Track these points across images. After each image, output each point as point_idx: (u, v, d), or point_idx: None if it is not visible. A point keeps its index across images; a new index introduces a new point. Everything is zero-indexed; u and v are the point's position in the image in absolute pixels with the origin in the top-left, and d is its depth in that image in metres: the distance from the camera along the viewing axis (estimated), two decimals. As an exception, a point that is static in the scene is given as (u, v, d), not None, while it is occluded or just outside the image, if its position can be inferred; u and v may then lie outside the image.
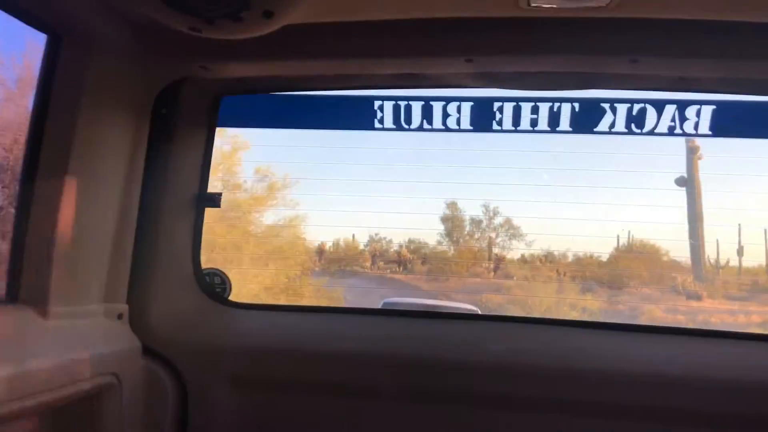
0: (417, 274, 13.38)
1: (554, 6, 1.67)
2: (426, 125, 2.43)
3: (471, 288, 11.97)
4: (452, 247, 13.53)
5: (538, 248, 12.24)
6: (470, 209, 13.44)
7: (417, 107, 2.42)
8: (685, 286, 9.79)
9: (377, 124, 2.45)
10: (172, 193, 2.54)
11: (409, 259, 13.75)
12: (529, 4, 1.68)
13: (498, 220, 13.30)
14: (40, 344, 1.88)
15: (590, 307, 9.77)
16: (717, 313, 8.60)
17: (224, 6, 1.61)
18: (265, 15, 1.67)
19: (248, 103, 2.59)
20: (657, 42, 1.92)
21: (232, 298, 2.85)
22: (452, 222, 13.57)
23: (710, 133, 2.22)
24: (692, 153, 10.37)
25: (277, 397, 2.60)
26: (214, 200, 2.65)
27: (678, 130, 2.24)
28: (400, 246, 13.77)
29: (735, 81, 2.11)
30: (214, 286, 2.81)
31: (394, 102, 2.39)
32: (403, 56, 2.14)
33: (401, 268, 13.77)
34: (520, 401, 2.48)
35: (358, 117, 2.51)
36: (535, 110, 2.32)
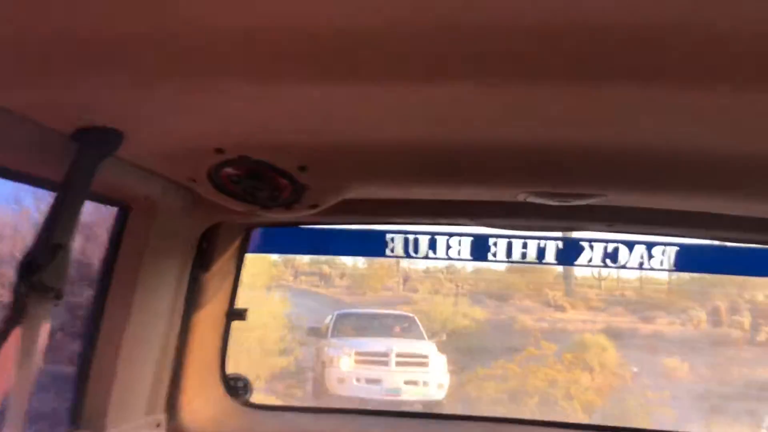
0: (338, 288, 14.75)
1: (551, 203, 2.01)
2: (431, 254, 2.79)
3: (384, 300, 13.27)
4: (367, 264, 14.63)
5: (441, 264, 13.45)
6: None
7: (424, 240, 2.78)
8: (556, 300, 11.89)
9: (389, 253, 2.79)
10: (206, 312, 2.83)
11: (330, 274, 15.02)
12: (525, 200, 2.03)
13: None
14: None
15: (477, 317, 11.91)
16: (574, 321, 10.81)
17: (281, 200, 1.95)
18: (310, 207, 2.01)
19: (274, 231, 2.92)
20: (630, 215, 2.29)
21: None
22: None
23: (674, 268, 2.61)
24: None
25: None
26: (241, 315, 2.94)
27: (646, 266, 2.63)
28: (322, 263, 14.94)
29: (694, 227, 2.47)
30: (238, 390, 3.07)
31: (403, 235, 2.75)
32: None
33: (323, 283, 15.04)
34: None
35: (373, 246, 2.86)
36: (524, 246, 2.70)
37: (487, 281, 12.61)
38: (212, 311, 2.97)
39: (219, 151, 1.75)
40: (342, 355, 11.18)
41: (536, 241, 2.71)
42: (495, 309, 11.95)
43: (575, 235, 2.64)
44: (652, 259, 2.69)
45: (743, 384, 8.17)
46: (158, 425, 2.71)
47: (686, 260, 2.66)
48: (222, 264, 2.95)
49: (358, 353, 11.19)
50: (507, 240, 2.70)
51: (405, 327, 12.42)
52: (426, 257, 2.79)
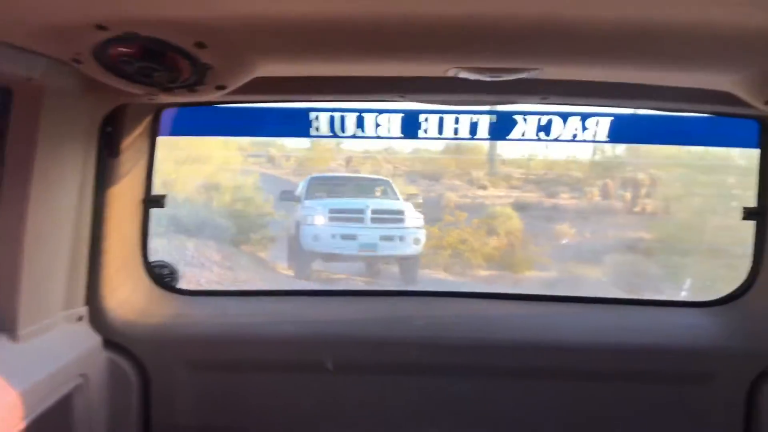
0: (285, 169, 15.25)
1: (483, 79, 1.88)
2: (360, 133, 2.64)
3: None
4: (312, 146, 14.97)
5: (381, 145, 13.95)
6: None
7: (351, 118, 2.62)
8: (479, 179, 13.13)
9: (313, 132, 2.63)
10: (120, 199, 2.66)
11: (278, 156, 15.63)
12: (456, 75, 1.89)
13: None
14: (15, 369, 2.04)
15: (412, 192, 12.88)
16: (491, 197, 12.38)
17: (182, 82, 1.75)
18: (218, 88, 1.82)
19: (188, 113, 2.69)
20: (564, 88, 2.20)
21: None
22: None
23: (607, 139, 2.57)
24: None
25: (230, 378, 2.85)
26: (159, 202, 2.79)
27: (580, 137, 2.57)
28: (268, 146, 15.27)
29: (628, 98, 2.41)
30: (164, 276, 2.98)
31: (329, 113, 2.58)
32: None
33: (271, 165, 15.56)
34: (441, 369, 2.83)
35: (295, 125, 2.68)
36: (456, 121, 2.58)
37: (422, 162, 13.30)
38: (127, 198, 2.79)
39: (101, 27, 1.52)
40: (317, 213, 11.44)
41: (468, 116, 2.60)
42: (426, 187, 13.14)
43: (508, 108, 2.54)
44: (586, 131, 2.64)
45: (613, 243, 10.39)
46: (79, 318, 2.62)
47: (619, 131, 2.63)
48: (132, 148, 2.74)
49: (332, 210, 11.45)
50: (438, 116, 2.58)
51: (380, 190, 12.58)
52: (354, 136, 2.66)
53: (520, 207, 12.06)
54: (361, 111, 2.66)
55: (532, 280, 10.82)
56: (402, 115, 2.59)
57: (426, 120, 2.59)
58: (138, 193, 2.76)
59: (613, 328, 2.89)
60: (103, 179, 2.57)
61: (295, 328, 2.87)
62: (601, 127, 2.58)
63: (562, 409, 2.85)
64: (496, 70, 1.81)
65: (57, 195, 2.28)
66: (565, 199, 12.15)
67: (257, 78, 1.93)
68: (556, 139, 2.63)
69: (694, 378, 2.80)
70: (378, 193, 12.44)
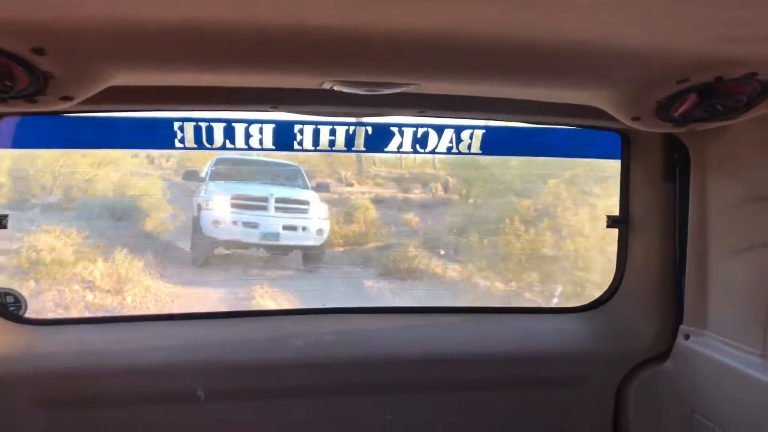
0: (166, 170, 14.66)
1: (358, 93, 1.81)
2: (229, 144, 2.49)
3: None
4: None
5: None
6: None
7: (219, 128, 2.46)
8: (348, 178, 14.01)
9: (178, 144, 2.45)
10: None
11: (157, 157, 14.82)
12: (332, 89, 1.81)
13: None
14: None
15: None
16: (356, 193, 13.49)
17: (18, 91, 1.53)
18: (63, 99, 1.61)
19: (33, 123, 2.40)
20: (441, 101, 2.18)
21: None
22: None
23: (480, 152, 2.60)
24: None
25: (89, 416, 2.58)
26: (1, 221, 2.48)
27: (455, 150, 2.58)
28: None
29: (502, 111, 2.45)
30: (7, 305, 2.67)
31: (195, 123, 2.41)
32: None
33: (153, 165, 14.77)
34: (321, 390, 2.73)
35: (160, 136, 2.48)
36: (332, 133, 2.50)
37: (297, 161, 13.20)
38: (-40, 219, 2.48)
39: None
40: (218, 198, 10.93)
41: (344, 128, 2.53)
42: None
43: (384, 120, 2.49)
44: (461, 143, 2.65)
45: (446, 227, 12.24)
46: None
47: (491, 143, 2.67)
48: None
49: (234, 197, 10.94)
50: (314, 126, 2.48)
51: (288, 176, 12.14)
52: (223, 147, 2.50)
53: (377, 200, 13.28)
54: (230, 121, 2.51)
55: (372, 249, 12.19)
56: (274, 126, 2.47)
57: (301, 131, 2.48)
58: None
59: (489, 336, 2.93)
60: None
61: (161, 356, 2.67)
62: (474, 139, 2.61)
63: (443, 419, 2.85)
64: (373, 84, 1.75)
65: None
66: (415, 194, 13.88)
67: (112, 87, 1.74)
68: (432, 152, 2.62)
69: (567, 380, 2.90)
70: (285, 180, 12.05)
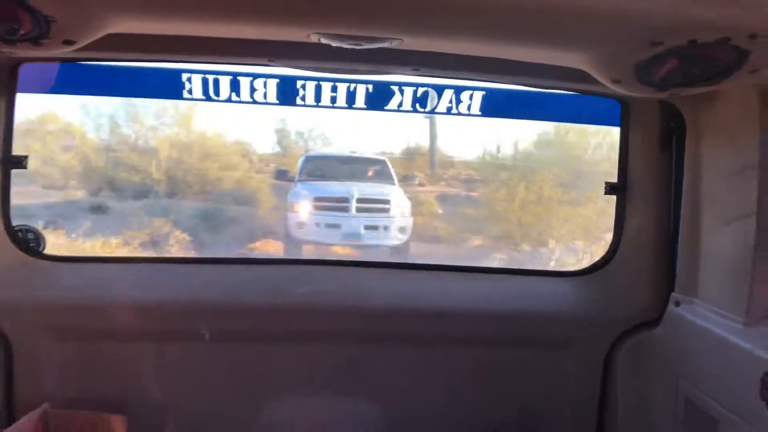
0: None
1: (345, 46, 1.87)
2: (234, 97, 2.58)
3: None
4: None
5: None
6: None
7: (225, 81, 2.55)
8: (421, 180, 13.82)
9: (186, 95, 2.55)
10: None
11: None
12: (319, 41, 1.87)
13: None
14: None
15: None
16: (425, 192, 13.40)
17: (23, 35, 1.64)
18: (65, 42, 1.72)
19: (51, 69, 2.53)
20: (435, 60, 2.23)
21: (47, 251, 2.90)
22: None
23: (480, 113, 2.63)
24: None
25: (101, 348, 2.75)
26: (21, 162, 2.64)
27: (454, 111, 2.62)
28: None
29: (503, 70, 2.48)
30: (28, 241, 2.84)
31: (202, 75, 2.50)
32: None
33: None
34: (321, 336, 2.85)
35: (167, 87, 2.58)
36: (334, 89, 2.57)
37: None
38: (-18, 160, 2.64)
39: None
40: (302, 200, 10.86)
41: (346, 84, 2.59)
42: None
43: (385, 78, 2.55)
44: (461, 104, 2.69)
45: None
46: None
47: (491, 106, 2.70)
48: (-14, 105, 2.58)
49: (316, 198, 10.85)
50: (316, 83, 2.56)
51: (376, 171, 11.97)
52: (229, 100, 2.59)
53: (440, 198, 13.34)
54: (236, 74, 2.60)
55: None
56: (278, 81, 2.55)
57: (303, 87, 2.56)
58: None
59: (483, 295, 3.00)
60: None
61: (170, 295, 2.81)
62: (474, 101, 2.65)
63: (436, 373, 2.95)
64: (356, 38, 1.81)
65: None
66: (479, 192, 14.02)
67: (113, 34, 1.84)
68: (432, 111, 2.68)
69: (557, 342, 2.96)
70: (372, 175, 11.79)
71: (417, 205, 12.77)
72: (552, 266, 10.63)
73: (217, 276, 2.96)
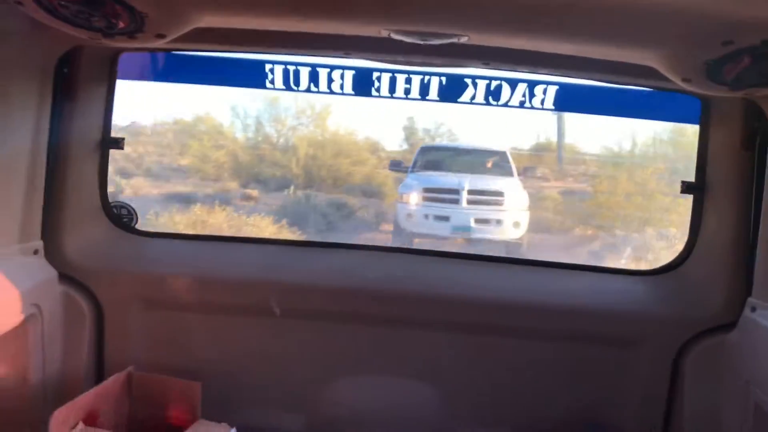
0: None
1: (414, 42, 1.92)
2: (313, 88, 2.69)
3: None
4: None
5: None
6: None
7: (305, 72, 2.66)
8: (544, 174, 13.81)
9: (269, 85, 2.68)
10: (77, 139, 2.73)
11: None
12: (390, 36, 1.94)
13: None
14: None
15: None
16: (549, 188, 13.53)
17: (121, 29, 1.80)
18: (158, 36, 1.87)
19: (147, 58, 2.73)
20: (505, 55, 2.24)
21: (139, 227, 3.13)
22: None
23: (553, 108, 2.62)
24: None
25: (182, 319, 2.95)
26: (118, 143, 2.86)
27: (527, 105, 2.62)
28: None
29: (575, 66, 2.46)
30: (122, 217, 3.07)
31: (283, 66, 2.62)
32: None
33: None
34: (390, 320, 2.93)
35: (251, 76, 2.72)
36: (408, 81, 2.63)
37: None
38: (85, 139, 2.86)
39: None
40: (412, 192, 10.60)
41: (419, 77, 2.65)
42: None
43: (458, 71, 2.59)
44: (534, 98, 2.69)
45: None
46: (35, 252, 2.71)
47: (565, 100, 2.68)
48: (90, 90, 2.80)
49: (426, 189, 10.56)
50: (390, 74, 2.63)
51: (494, 162, 11.51)
52: (308, 90, 2.70)
53: (568, 193, 13.34)
54: (315, 66, 2.71)
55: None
56: (354, 72, 2.64)
57: (378, 79, 2.63)
58: (96, 135, 2.83)
59: (552, 289, 2.98)
60: (60, 120, 2.63)
61: (246, 273, 2.96)
62: (548, 95, 2.64)
63: (499, 365, 2.97)
64: (425, 34, 1.87)
65: (11, 134, 2.35)
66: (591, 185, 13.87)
67: (200, 28, 1.98)
68: (505, 105, 2.69)
69: (625, 341, 2.91)
70: (490, 166, 11.31)
71: (540, 200, 12.68)
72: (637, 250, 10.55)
73: (296, 258, 3.09)
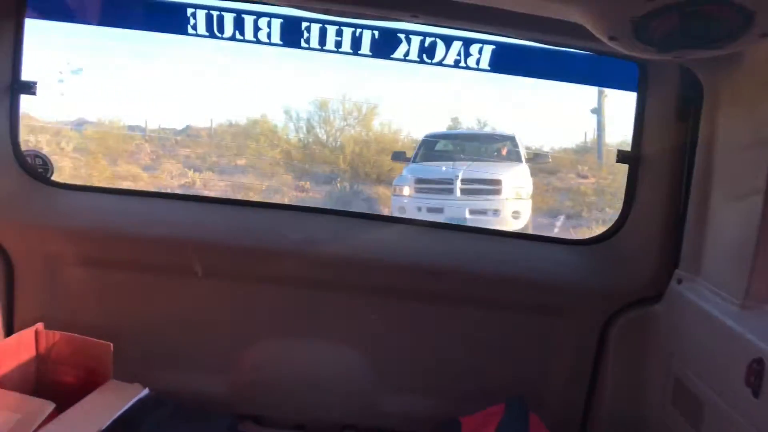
0: None
1: None
2: (238, 36, 2.55)
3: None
4: None
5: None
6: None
7: (229, 18, 2.52)
8: (583, 171, 14.66)
9: (190, 30, 2.53)
10: None
11: None
12: None
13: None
14: None
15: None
16: (587, 183, 14.34)
17: None
18: None
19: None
20: (434, 7, 2.13)
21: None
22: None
23: (489, 68, 2.54)
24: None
25: (98, 275, 2.83)
26: (30, 88, 2.68)
27: (462, 64, 2.53)
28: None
29: (503, 22, 2.37)
30: (36, 167, 2.90)
31: (206, 11, 2.47)
32: None
33: None
34: (312, 282, 2.86)
35: (172, 21, 2.56)
36: (339, 33, 2.51)
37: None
38: (-11, 83, 2.68)
39: None
40: (404, 183, 10.22)
41: (351, 29, 2.53)
42: (542, 179, 13.63)
43: (392, 25, 2.47)
44: (469, 57, 2.60)
45: None
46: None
47: (500, 61, 2.60)
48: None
49: (418, 180, 10.16)
50: (320, 25, 2.50)
51: (501, 148, 11.09)
52: (233, 38, 2.56)
53: (599, 191, 13.68)
54: (240, 12, 2.56)
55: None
56: (282, 21, 2.50)
57: (308, 29, 2.51)
58: (4, 78, 2.65)
59: (485, 256, 2.95)
60: None
61: (168, 231, 2.85)
62: (483, 54, 2.55)
63: (426, 329, 2.94)
64: None
65: None
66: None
67: None
68: (440, 63, 2.59)
69: (555, 309, 2.91)
70: (495, 152, 10.98)
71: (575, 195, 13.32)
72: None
73: (217, 216, 2.98)
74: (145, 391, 2.46)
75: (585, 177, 14.29)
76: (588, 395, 2.89)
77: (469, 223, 9.65)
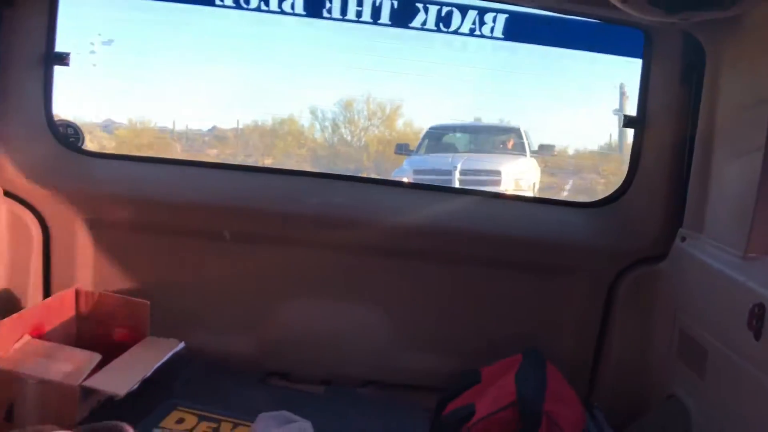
0: None
1: None
2: (263, 6, 2.65)
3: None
4: None
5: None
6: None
7: (255, -12, 2.62)
8: (604, 171, 14.79)
9: (217, 1, 2.63)
10: (19, 54, 2.65)
11: None
12: None
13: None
14: None
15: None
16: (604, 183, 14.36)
17: None
18: None
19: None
20: None
21: (86, 148, 3.09)
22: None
23: (503, 36, 2.65)
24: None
25: (131, 238, 2.96)
26: (63, 59, 2.78)
27: (477, 32, 2.64)
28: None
29: None
30: (68, 136, 3.02)
31: (234, -17, 2.57)
32: None
33: None
34: (331, 244, 2.99)
35: (199, -8, 2.67)
36: (360, 3, 2.61)
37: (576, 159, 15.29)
38: (26, 54, 2.79)
39: None
40: (403, 176, 9.96)
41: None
42: (563, 178, 14.29)
43: (410, -5, 2.59)
44: (484, 26, 2.72)
45: None
46: (-21, 171, 2.67)
47: (514, 29, 2.71)
48: (28, 1, 2.72)
49: (416, 172, 10.01)
50: (342, -5, 2.61)
51: (505, 141, 10.97)
52: (258, 9, 2.67)
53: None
54: (265, -17, 2.67)
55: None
56: (305, -9, 2.61)
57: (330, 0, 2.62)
58: (39, 49, 2.75)
59: (494, 218, 3.08)
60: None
61: (196, 196, 2.98)
62: (498, 23, 2.66)
63: (437, 289, 3.06)
64: None
65: None
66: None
67: None
68: (455, 32, 2.71)
69: (563, 269, 3.03)
70: (500, 144, 10.79)
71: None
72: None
73: (242, 182, 3.10)
74: (182, 345, 2.59)
75: (605, 177, 14.52)
76: (597, 348, 3.03)
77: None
